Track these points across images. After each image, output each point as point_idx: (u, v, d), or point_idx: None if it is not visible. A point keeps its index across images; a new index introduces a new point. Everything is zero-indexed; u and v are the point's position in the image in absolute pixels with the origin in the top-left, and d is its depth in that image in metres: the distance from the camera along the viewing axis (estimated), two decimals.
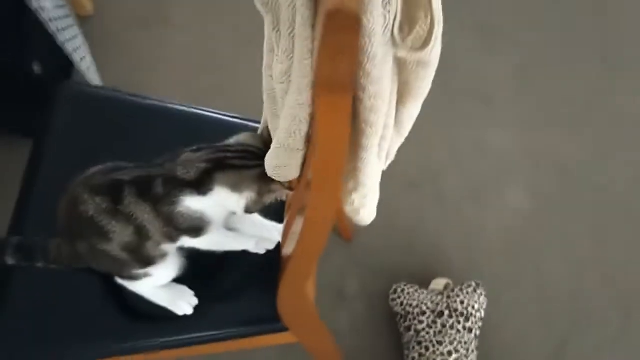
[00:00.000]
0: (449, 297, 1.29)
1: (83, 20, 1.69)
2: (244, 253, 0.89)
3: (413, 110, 0.75)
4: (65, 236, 0.85)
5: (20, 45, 1.38)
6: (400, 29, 0.54)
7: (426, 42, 0.55)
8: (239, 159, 0.82)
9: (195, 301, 0.91)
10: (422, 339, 1.26)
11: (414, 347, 1.26)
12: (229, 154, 0.82)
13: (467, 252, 1.46)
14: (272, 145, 0.72)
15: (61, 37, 1.44)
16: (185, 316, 0.89)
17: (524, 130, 1.62)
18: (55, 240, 0.87)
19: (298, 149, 0.68)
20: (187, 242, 0.84)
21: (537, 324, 1.39)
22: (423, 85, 0.67)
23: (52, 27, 1.43)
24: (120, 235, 0.80)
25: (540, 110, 1.64)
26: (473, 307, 1.28)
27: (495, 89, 1.68)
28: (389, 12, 0.51)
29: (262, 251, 0.91)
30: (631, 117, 1.64)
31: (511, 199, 1.52)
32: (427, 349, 1.24)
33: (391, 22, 0.52)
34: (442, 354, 1.22)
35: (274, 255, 0.91)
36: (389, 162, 0.91)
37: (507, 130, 1.62)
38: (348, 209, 0.83)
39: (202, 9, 1.79)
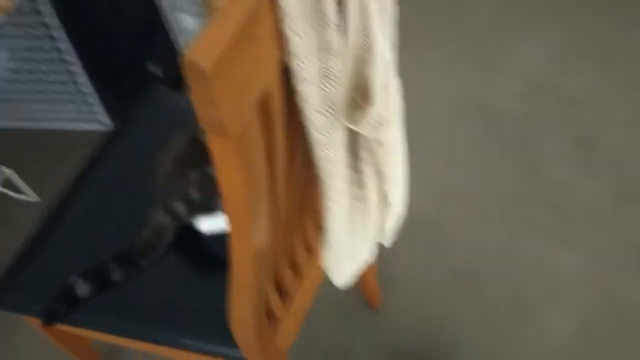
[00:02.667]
0: None
1: None
2: None
3: (395, 189, 0.78)
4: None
5: (146, 47, 1.59)
6: (350, 103, 0.58)
7: (362, 119, 0.58)
8: None
9: None
10: None
11: None
12: None
13: None
14: None
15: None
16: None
17: (594, 259, 1.51)
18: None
19: None
20: None
21: None
22: (386, 163, 0.70)
23: (182, 39, 1.63)
24: None
25: (622, 245, 1.53)
26: None
27: (580, 208, 1.59)
28: (331, 85, 0.55)
29: None
30: None
31: (555, 326, 1.42)
32: None
33: (334, 94, 0.56)
34: None
35: None
36: (386, 238, 0.93)
37: (575, 254, 1.52)
38: (324, 263, 0.86)
39: None
